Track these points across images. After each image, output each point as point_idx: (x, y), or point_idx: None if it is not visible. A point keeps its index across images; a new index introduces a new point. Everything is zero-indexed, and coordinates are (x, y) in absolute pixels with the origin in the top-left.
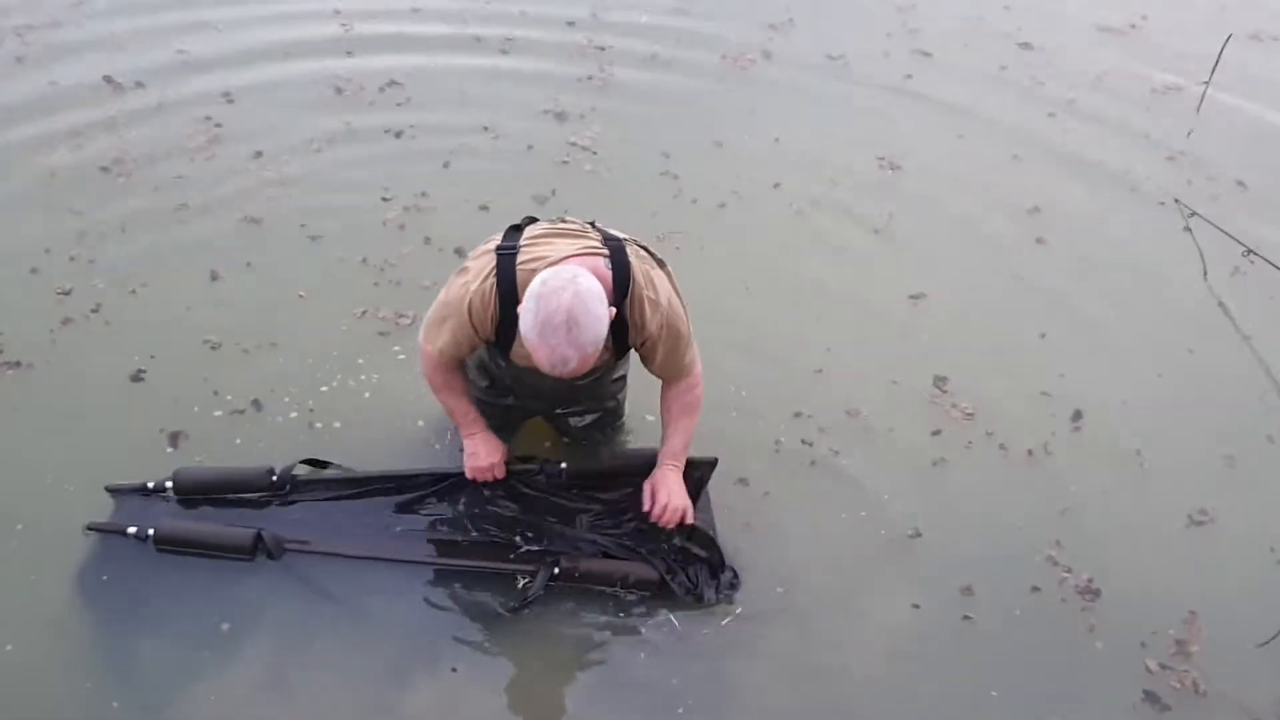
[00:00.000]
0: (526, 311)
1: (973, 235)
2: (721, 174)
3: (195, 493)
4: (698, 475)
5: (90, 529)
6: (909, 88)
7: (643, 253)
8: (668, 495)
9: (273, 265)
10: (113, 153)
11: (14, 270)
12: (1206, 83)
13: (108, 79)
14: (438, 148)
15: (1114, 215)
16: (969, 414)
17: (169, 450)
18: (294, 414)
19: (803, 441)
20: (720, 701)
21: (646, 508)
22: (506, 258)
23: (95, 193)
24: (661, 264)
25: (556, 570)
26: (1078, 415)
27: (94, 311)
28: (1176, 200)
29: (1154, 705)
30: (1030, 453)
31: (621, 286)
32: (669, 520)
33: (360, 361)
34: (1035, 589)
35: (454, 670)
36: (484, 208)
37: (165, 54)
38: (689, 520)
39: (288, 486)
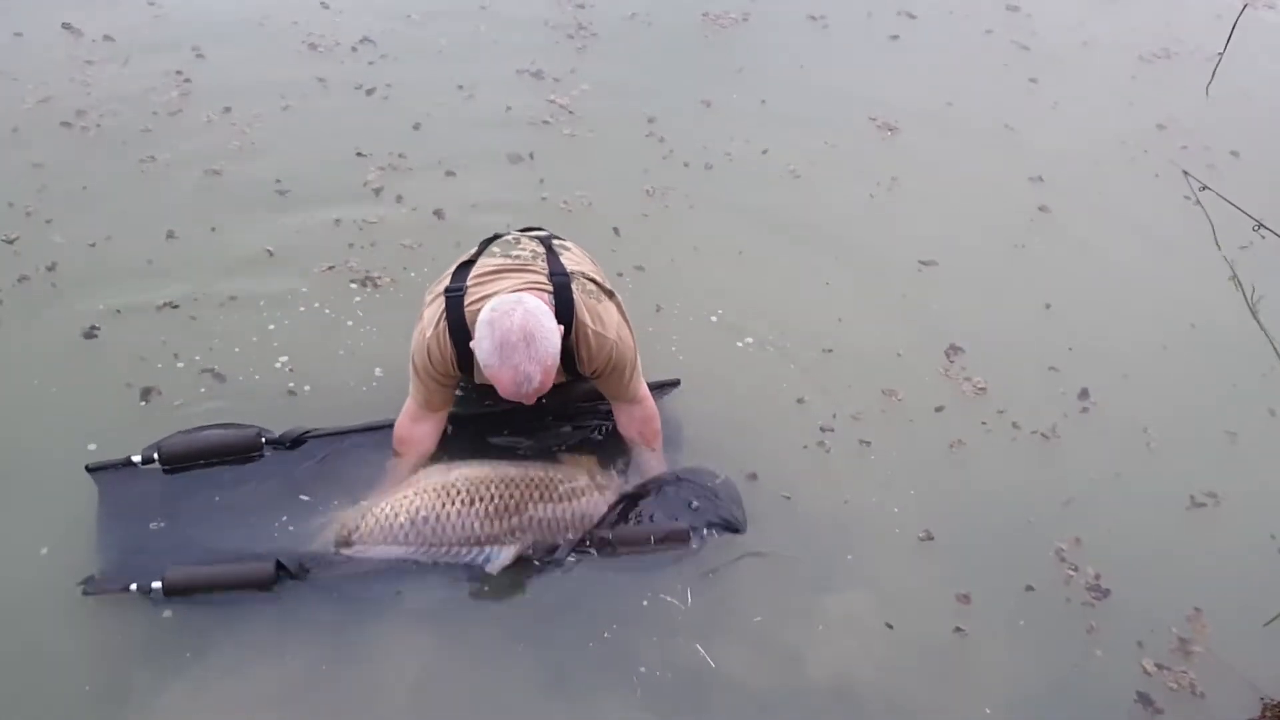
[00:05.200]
0: (482, 339)
1: (976, 201)
2: (712, 135)
3: (184, 461)
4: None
5: (87, 593)
6: (895, 49)
7: (590, 285)
8: None
9: (241, 222)
10: (78, 106)
11: None
12: (1220, 54)
13: (74, 29)
14: (412, 107)
15: (1112, 186)
16: (981, 388)
17: (141, 404)
18: (274, 366)
19: (822, 429)
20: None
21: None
22: (455, 299)
23: (59, 146)
24: (610, 294)
25: (590, 549)
26: (1085, 394)
27: (50, 269)
28: (1185, 173)
29: (1146, 707)
30: (1044, 436)
31: (565, 322)
32: None
33: (326, 314)
34: (1038, 592)
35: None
36: (460, 170)
37: (136, 7)
38: None
39: (286, 444)
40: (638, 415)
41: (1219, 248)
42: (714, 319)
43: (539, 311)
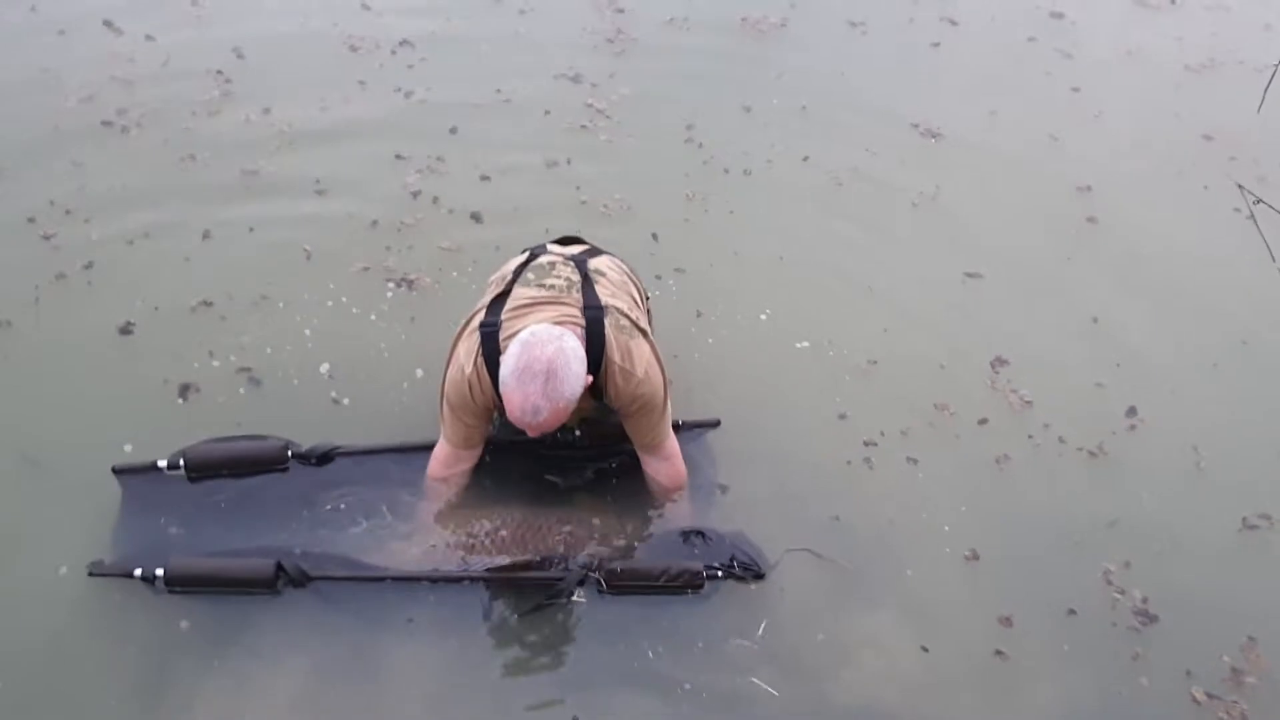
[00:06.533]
0: (509, 356)
1: (1022, 211)
2: (751, 141)
3: (209, 469)
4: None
5: (92, 574)
6: (937, 56)
7: (623, 321)
8: None
9: (278, 221)
10: (119, 104)
11: (11, 222)
12: (1277, 66)
13: (115, 28)
14: (451, 110)
15: (1160, 198)
16: (1027, 401)
17: (179, 401)
18: (313, 367)
19: (866, 443)
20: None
21: None
22: (490, 336)
23: (99, 144)
24: (645, 333)
25: (596, 576)
26: (1133, 411)
27: (87, 267)
28: (1240, 186)
29: None
30: (1091, 454)
31: (595, 358)
32: None
33: (362, 314)
34: (1083, 615)
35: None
36: (497, 174)
37: (178, 7)
38: None
39: (313, 459)
40: (664, 472)
41: (1274, 259)
42: (764, 316)
43: (573, 355)
